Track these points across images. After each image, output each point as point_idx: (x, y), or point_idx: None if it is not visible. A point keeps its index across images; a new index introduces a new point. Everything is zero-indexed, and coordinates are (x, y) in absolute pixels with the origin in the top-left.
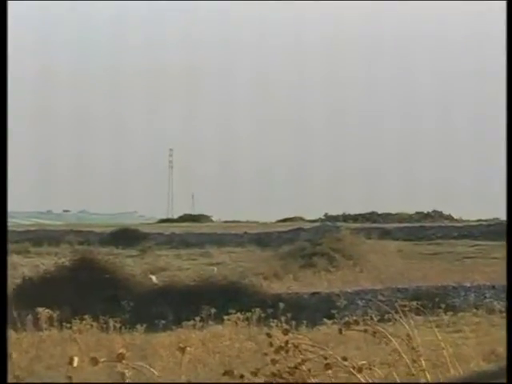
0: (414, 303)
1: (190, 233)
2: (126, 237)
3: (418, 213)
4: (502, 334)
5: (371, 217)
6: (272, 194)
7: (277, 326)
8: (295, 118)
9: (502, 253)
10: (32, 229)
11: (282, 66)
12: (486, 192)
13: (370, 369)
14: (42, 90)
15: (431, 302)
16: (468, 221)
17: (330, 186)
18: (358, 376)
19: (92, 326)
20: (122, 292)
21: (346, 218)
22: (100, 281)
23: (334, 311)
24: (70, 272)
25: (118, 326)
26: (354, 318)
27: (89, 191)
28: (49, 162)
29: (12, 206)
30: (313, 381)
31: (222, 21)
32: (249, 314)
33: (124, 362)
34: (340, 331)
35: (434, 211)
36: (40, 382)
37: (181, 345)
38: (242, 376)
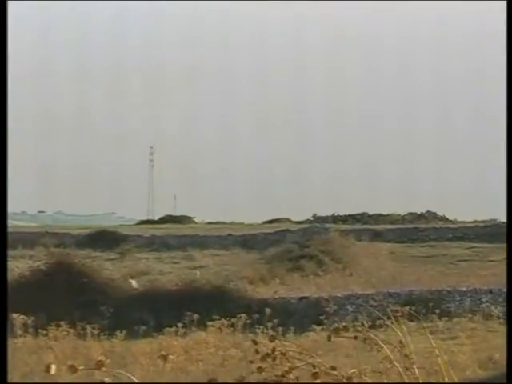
0: (407, 308)
1: (172, 235)
2: (104, 239)
3: (410, 213)
4: (500, 340)
5: (362, 218)
6: (258, 195)
7: (263, 332)
8: (288, 119)
9: (499, 255)
10: None
11: (282, 66)
12: (482, 192)
13: (361, 377)
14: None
15: (425, 307)
16: (463, 222)
17: (318, 186)
18: None
19: (69, 332)
20: (101, 297)
21: (335, 219)
22: (77, 285)
23: (322, 317)
24: (46, 276)
25: (96, 332)
26: (344, 323)
27: (65, 191)
28: (22, 160)
29: None
30: None
31: (222, 21)
32: (234, 320)
33: (103, 369)
34: (329, 338)
35: (428, 212)
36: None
37: (162, 352)
38: None
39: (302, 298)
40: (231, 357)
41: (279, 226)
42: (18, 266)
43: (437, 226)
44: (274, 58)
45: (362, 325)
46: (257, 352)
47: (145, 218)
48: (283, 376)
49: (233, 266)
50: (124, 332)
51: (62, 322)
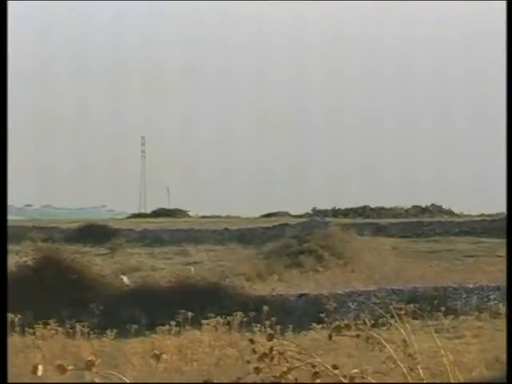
0: (411, 306)
1: (165, 229)
2: (94, 233)
3: (415, 207)
4: None
5: (364, 211)
6: (255, 187)
7: (260, 331)
8: (288, 112)
9: None
10: None
11: (281, 59)
12: (489, 185)
13: (363, 378)
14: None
15: (430, 304)
16: (470, 216)
17: (318, 178)
18: None
19: (57, 331)
20: (90, 294)
21: (335, 212)
22: (66, 282)
23: (322, 315)
24: (33, 272)
25: (85, 331)
26: (346, 322)
27: (53, 184)
28: (9, 152)
29: None
30: None
31: (222, 20)
32: (230, 318)
33: (93, 370)
34: (330, 337)
35: (433, 205)
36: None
37: (155, 352)
38: None
39: (301, 295)
40: (227, 356)
41: (277, 220)
42: None
43: (442, 220)
44: (273, 58)
45: (364, 323)
46: (254, 351)
47: (136, 211)
48: (281, 377)
49: (229, 262)
50: (115, 331)
51: (50, 321)
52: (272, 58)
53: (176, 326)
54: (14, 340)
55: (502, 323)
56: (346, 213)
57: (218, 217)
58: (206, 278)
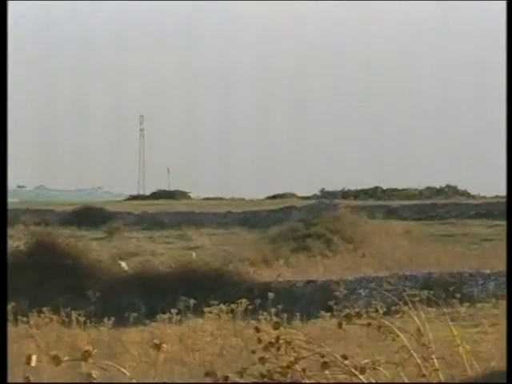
0: (425, 293)
1: (165, 212)
2: (90, 216)
3: (428, 188)
4: None
5: (375, 193)
6: (260, 167)
7: (266, 319)
8: (293, 87)
9: None
10: None
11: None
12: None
13: (375, 369)
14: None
15: (445, 291)
16: (486, 197)
17: (326, 158)
18: (361, 377)
19: (52, 319)
20: (87, 280)
21: (345, 194)
22: (61, 267)
23: (331, 302)
24: (26, 257)
25: (81, 319)
26: (356, 310)
27: (47, 164)
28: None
29: None
30: (308, 382)
31: (222, 20)
32: (233, 306)
33: (90, 361)
34: (339, 325)
35: (448, 186)
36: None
37: (155, 341)
38: (226, 377)
39: (308, 282)
40: (231, 346)
41: (283, 202)
42: None
43: (457, 202)
44: (273, 57)
45: (376, 311)
46: (259, 341)
47: (135, 193)
48: (288, 367)
49: (232, 247)
50: (113, 319)
51: (44, 309)
52: (271, 57)
53: (177, 314)
54: None
55: None
56: (356, 194)
57: (221, 199)
58: (209, 263)
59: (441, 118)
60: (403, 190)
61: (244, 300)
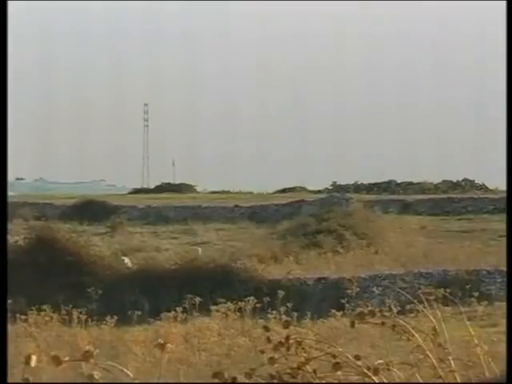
0: (441, 291)
1: (170, 206)
2: (92, 210)
3: (445, 182)
4: None
5: (389, 186)
6: (269, 160)
7: (275, 318)
8: (299, 75)
9: None
10: None
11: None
12: None
13: (389, 369)
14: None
15: (461, 289)
16: (505, 192)
17: (338, 150)
18: (374, 378)
19: (52, 318)
20: (88, 277)
21: (358, 188)
22: (61, 264)
23: (343, 301)
24: (25, 253)
25: (83, 318)
26: (369, 308)
27: (47, 156)
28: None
29: None
30: (319, 383)
31: (222, 20)
32: (241, 304)
33: (92, 361)
34: (352, 324)
35: (465, 180)
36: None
37: (159, 341)
38: (234, 379)
39: (319, 279)
40: (239, 346)
41: (293, 196)
42: None
43: (475, 197)
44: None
45: (390, 310)
46: (268, 340)
47: (139, 186)
48: (299, 368)
49: (240, 242)
50: (115, 318)
51: (44, 306)
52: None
53: (182, 312)
54: None
55: None
56: (370, 188)
57: (228, 192)
58: (215, 259)
59: (461, 109)
60: (418, 183)
61: (252, 298)
